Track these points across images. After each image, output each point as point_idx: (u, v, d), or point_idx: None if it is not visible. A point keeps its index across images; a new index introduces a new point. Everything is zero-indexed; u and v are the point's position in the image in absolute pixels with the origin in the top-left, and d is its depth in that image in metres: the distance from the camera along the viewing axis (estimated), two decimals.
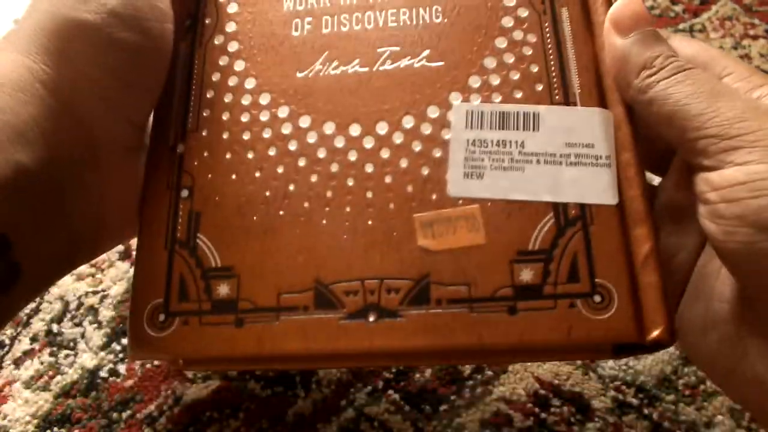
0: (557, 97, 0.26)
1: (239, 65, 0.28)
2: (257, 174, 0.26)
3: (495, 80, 0.27)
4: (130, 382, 0.32)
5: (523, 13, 0.28)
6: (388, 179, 0.25)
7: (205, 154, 0.27)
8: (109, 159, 0.27)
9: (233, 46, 0.29)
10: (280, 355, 0.24)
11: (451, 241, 0.24)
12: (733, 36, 0.45)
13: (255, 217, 0.26)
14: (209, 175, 0.27)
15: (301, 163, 0.26)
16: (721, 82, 0.23)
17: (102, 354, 0.33)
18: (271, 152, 0.27)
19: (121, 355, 0.33)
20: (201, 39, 0.29)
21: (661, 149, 0.26)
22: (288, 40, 0.29)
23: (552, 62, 0.27)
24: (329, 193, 0.26)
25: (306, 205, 0.25)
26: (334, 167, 0.26)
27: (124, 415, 0.31)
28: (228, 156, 0.27)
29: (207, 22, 0.30)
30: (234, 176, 0.26)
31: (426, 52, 0.27)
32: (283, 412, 0.30)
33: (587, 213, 0.24)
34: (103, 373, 0.32)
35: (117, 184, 0.27)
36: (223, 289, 0.25)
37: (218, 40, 0.29)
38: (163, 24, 0.27)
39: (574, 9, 0.27)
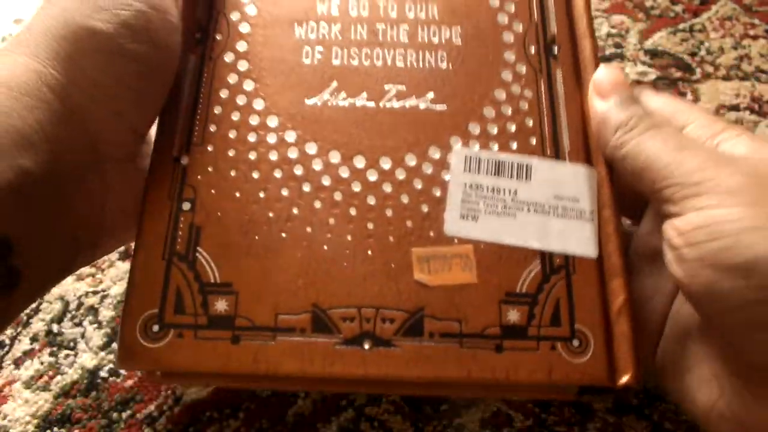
0: (549, 151, 0.28)
1: (248, 85, 0.29)
2: (261, 194, 0.27)
3: (493, 129, 0.28)
4: (130, 382, 0.32)
5: (522, 69, 0.30)
6: (389, 212, 0.27)
7: (210, 169, 0.27)
8: (111, 165, 0.27)
9: (243, 66, 0.29)
10: (274, 375, 0.25)
11: (445, 278, 0.26)
12: (733, 36, 0.45)
13: (257, 237, 0.26)
14: (212, 191, 0.27)
15: (306, 188, 0.27)
16: (686, 136, 0.26)
17: (102, 354, 0.32)
18: (277, 174, 0.27)
19: None
20: (211, 53, 0.30)
21: (636, 200, 0.29)
22: (298, 66, 0.29)
23: (545, 118, 0.29)
24: (332, 221, 0.27)
25: (308, 229, 0.26)
26: (338, 196, 0.27)
27: (124, 415, 0.31)
28: (233, 173, 0.27)
29: (218, 38, 0.30)
30: (238, 194, 0.27)
31: (430, 95, 0.29)
32: (283, 412, 0.30)
33: (570, 263, 0.26)
34: (103, 373, 0.32)
35: (117, 190, 0.27)
36: (221, 305, 0.25)
37: (228, 58, 0.30)
38: (172, 37, 0.27)
39: (568, 71, 0.30)
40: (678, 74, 0.43)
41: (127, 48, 0.26)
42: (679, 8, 0.47)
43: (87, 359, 0.32)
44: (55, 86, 0.24)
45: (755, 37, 0.45)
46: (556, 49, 0.30)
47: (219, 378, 0.27)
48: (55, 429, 0.30)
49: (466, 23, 0.31)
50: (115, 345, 0.33)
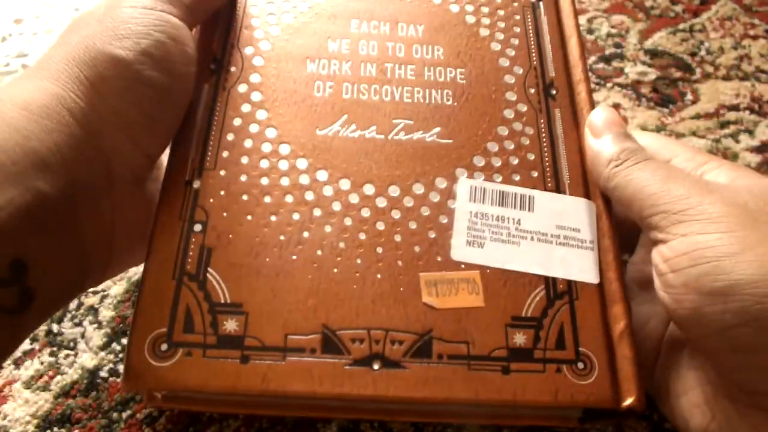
0: (549, 184, 0.29)
1: (261, 114, 0.30)
2: (273, 218, 0.27)
3: (496, 162, 0.30)
4: None
5: (522, 108, 0.31)
6: (397, 238, 0.27)
7: (222, 192, 0.28)
8: (123, 188, 0.27)
9: (256, 96, 0.31)
10: (283, 395, 0.24)
11: (453, 301, 0.26)
12: (733, 36, 0.45)
13: (267, 259, 0.27)
14: (224, 213, 0.27)
15: (317, 213, 0.28)
16: (672, 167, 0.27)
17: (102, 354, 0.32)
18: (288, 199, 0.28)
19: (121, 355, 0.32)
20: (225, 84, 0.31)
21: (630, 232, 0.30)
22: (310, 99, 0.31)
23: (546, 154, 0.30)
24: (342, 245, 0.27)
25: (319, 252, 0.27)
26: (348, 221, 0.28)
27: (124, 415, 0.30)
28: (245, 197, 0.28)
29: (232, 69, 0.31)
30: (249, 217, 0.27)
31: (437, 129, 0.30)
32: None
33: (573, 289, 0.27)
34: (103, 373, 0.31)
35: (127, 212, 0.27)
36: (231, 325, 0.25)
37: (242, 88, 0.31)
38: (189, 67, 0.29)
39: (566, 111, 0.31)
40: (678, 74, 0.44)
41: (146, 75, 0.27)
42: (679, 8, 0.47)
43: (87, 359, 0.32)
44: (76, 110, 0.25)
45: (755, 37, 0.45)
46: (554, 91, 0.32)
47: (223, 403, 0.26)
48: (55, 429, 0.30)
49: (469, 65, 0.33)
50: (115, 345, 0.32)
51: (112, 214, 0.27)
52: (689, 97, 0.43)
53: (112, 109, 0.26)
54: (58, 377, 0.31)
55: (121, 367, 0.32)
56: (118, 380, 0.31)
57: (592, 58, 0.46)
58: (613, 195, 0.28)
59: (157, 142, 0.28)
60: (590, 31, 0.47)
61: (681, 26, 0.47)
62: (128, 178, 0.27)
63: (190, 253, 0.26)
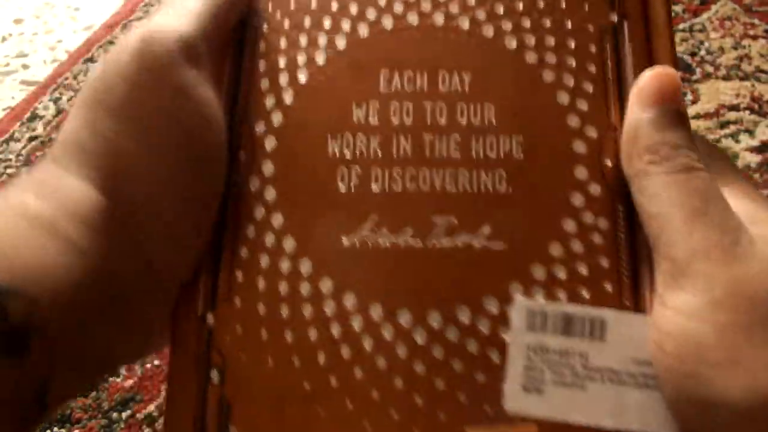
0: (627, 301, 0.24)
1: (277, 220, 0.26)
2: (296, 362, 0.24)
3: (561, 272, 0.24)
4: (130, 382, 0.31)
5: (595, 190, 0.25)
6: (439, 384, 0.24)
7: (239, 329, 0.25)
8: (164, 289, 0.25)
9: (270, 194, 0.26)
10: None
11: None
12: (733, 36, 0.46)
13: (291, 415, 0.24)
14: (242, 356, 0.24)
15: (345, 353, 0.24)
16: (715, 195, 0.22)
17: None
18: (312, 336, 0.24)
19: None
20: (236, 178, 0.26)
21: None
22: (333, 194, 0.26)
23: (623, 257, 0.24)
24: (375, 394, 0.24)
25: (349, 405, 0.24)
26: (381, 362, 0.24)
27: (124, 415, 0.31)
28: (264, 336, 0.24)
29: (241, 158, 0.26)
30: (270, 362, 0.24)
31: (486, 229, 0.25)
32: None
33: None
34: None
35: (165, 315, 0.25)
36: None
37: (254, 185, 0.26)
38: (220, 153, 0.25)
39: None
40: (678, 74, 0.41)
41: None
42: (679, 8, 0.48)
43: None
44: (106, 211, 0.23)
45: (755, 37, 0.46)
46: None
47: None
48: (55, 429, 0.30)
49: (528, 129, 0.26)
50: None
51: (151, 317, 0.25)
52: (689, 96, 0.43)
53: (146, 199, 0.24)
54: None
55: (121, 368, 0.31)
56: (118, 380, 0.31)
57: None
58: (636, 194, 0.23)
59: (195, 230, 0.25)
60: None
61: (681, 26, 0.47)
62: (171, 279, 0.25)
63: (209, 410, 0.24)
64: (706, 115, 0.42)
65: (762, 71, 0.45)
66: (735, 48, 0.46)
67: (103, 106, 0.23)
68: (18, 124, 0.58)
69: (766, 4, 0.48)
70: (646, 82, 0.24)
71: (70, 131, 0.24)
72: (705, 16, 0.48)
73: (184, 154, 0.24)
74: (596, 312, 0.24)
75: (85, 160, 0.23)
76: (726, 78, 0.44)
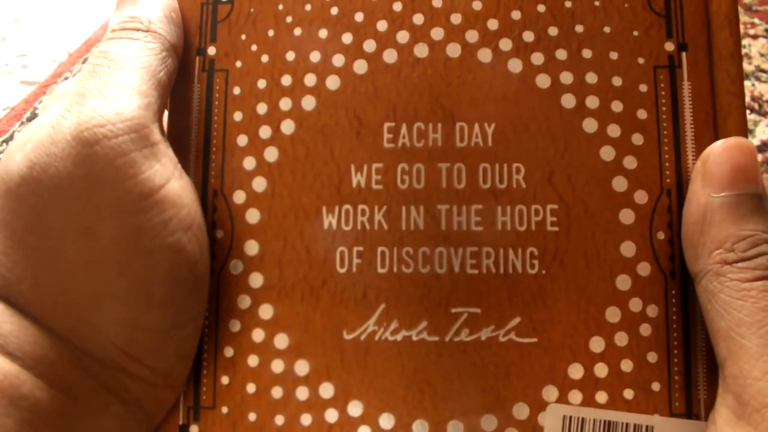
0: (678, 403, 0.21)
1: (266, 312, 0.21)
2: None
3: (602, 371, 0.21)
4: None
5: (645, 270, 0.21)
6: None
7: None
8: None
9: (256, 281, 0.22)
10: None
11: None
12: None
13: None
14: None
15: None
16: None
17: None
18: None
19: None
20: (212, 263, 0.22)
21: None
22: (332, 280, 0.21)
23: (676, 353, 0.21)
24: None
25: None
26: None
27: None
28: None
29: (218, 236, 0.22)
30: None
31: (515, 322, 0.21)
32: None
33: None
34: None
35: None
36: None
37: (235, 269, 0.22)
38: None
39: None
40: None
41: None
42: None
43: None
44: None
45: (755, 37, 0.45)
46: None
47: None
48: None
49: (565, 195, 0.21)
50: None
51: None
52: None
53: None
54: None
55: None
56: None
57: None
58: (699, 295, 0.20)
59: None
60: None
61: None
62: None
63: None
64: None
65: (762, 71, 0.45)
66: None
67: (38, 231, 0.19)
68: (18, 123, 0.54)
69: (766, 4, 0.47)
70: (717, 157, 0.19)
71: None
72: None
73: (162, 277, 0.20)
74: (642, 418, 0.21)
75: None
76: None
